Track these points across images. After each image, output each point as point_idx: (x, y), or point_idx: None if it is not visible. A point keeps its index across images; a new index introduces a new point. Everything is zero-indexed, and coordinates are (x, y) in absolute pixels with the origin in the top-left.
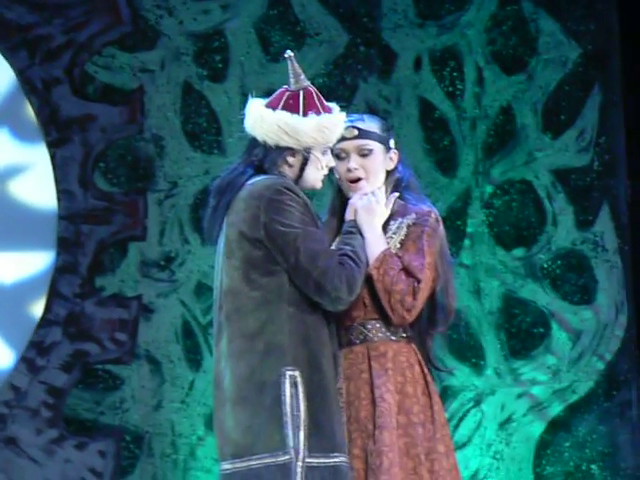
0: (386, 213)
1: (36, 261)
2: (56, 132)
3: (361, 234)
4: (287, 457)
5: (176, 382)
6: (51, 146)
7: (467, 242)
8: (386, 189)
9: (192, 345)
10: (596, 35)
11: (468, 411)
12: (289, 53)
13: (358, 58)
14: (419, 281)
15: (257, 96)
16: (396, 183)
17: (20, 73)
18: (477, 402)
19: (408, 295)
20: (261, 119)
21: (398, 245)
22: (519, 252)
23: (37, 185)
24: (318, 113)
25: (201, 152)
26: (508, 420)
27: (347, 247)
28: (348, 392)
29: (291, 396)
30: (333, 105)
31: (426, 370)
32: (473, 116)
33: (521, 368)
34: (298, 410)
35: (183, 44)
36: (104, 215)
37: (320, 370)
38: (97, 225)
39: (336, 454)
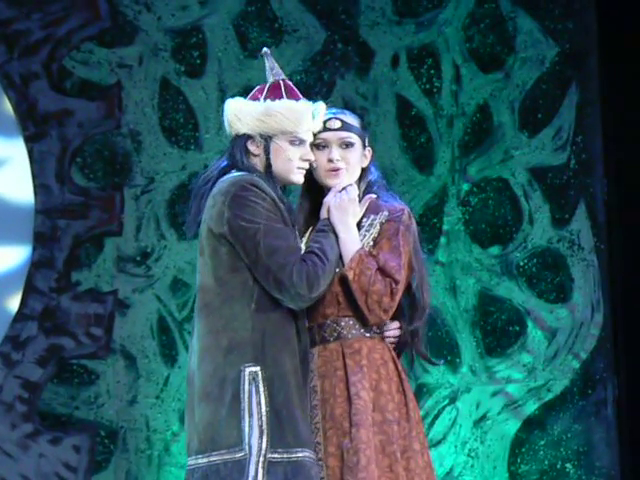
0: (360, 212)
1: (12, 255)
2: (33, 127)
3: (334, 233)
4: (242, 454)
5: (151, 377)
6: (28, 141)
7: (443, 240)
8: (359, 186)
9: (167, 341)
10: (574, 34)
11: (443, 408)
12: (265, 50)
13: (335, 55)
14: (396, 282)
15: (234, 92)
16: (368, 181)
17: None
18: (452, 400)
19: (385, 296)
20: (226, 110)
21: (371, 242)
22: (495, 250)
23: (14, 179)
24: (278, 99)
25: (178, 148)
26: (483, 418)
27: (315, 245)
28: (323, 390)
29: (250, 392)
30: (305, 99)
31: (400, 367)
32: (450, 114)
33: (496, 366)
34: (258, 406)
35: (161, 40)
36: (81, 210)
37: (282, 366)
38: (73, 220)
39: (299, 449)
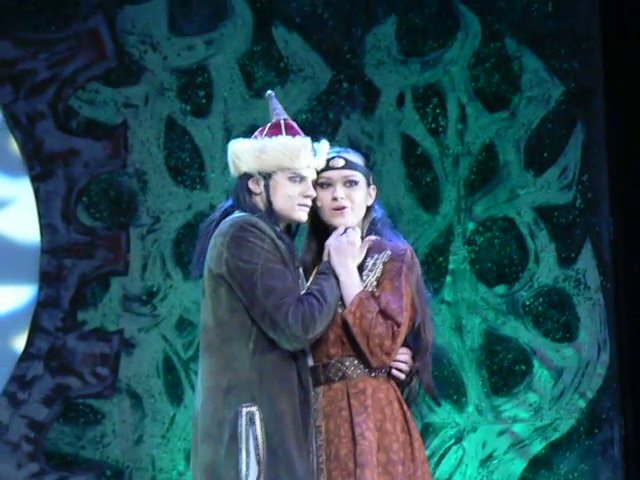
0: (361, 254)
1: (18, 295)
2: (40, 166)
3: (335, 276)
4: None
5: (157, 417)
6: (35, 180)
7: (449, 279)
8: (363, 225)
9: (173, 380)
10: (579, 73)
11: (449, 448)
12: (270, 92)
13: (341, 94)
14: (398, 325)
15: (240, 131)
16: (372, 220)
17: (4, 108)
18: (458, 439)
19: (387, 339)
20: (228, 151)
21: (374, 283)
22: (501, 289)
23: (20, 219)
24: (275, 136)
25: (184, 187)
26: (489, 457)
27: (315, 287)
28: (328, 430)
29: (247, 432)
30: (303, 136)
31: (405, 406)
32: (456, 153)
33: (503, 405)
34: (255, 446)
35: (167, 79)
36: (87, 249)
37: (279, 406)
38: (79, 259)
39: None
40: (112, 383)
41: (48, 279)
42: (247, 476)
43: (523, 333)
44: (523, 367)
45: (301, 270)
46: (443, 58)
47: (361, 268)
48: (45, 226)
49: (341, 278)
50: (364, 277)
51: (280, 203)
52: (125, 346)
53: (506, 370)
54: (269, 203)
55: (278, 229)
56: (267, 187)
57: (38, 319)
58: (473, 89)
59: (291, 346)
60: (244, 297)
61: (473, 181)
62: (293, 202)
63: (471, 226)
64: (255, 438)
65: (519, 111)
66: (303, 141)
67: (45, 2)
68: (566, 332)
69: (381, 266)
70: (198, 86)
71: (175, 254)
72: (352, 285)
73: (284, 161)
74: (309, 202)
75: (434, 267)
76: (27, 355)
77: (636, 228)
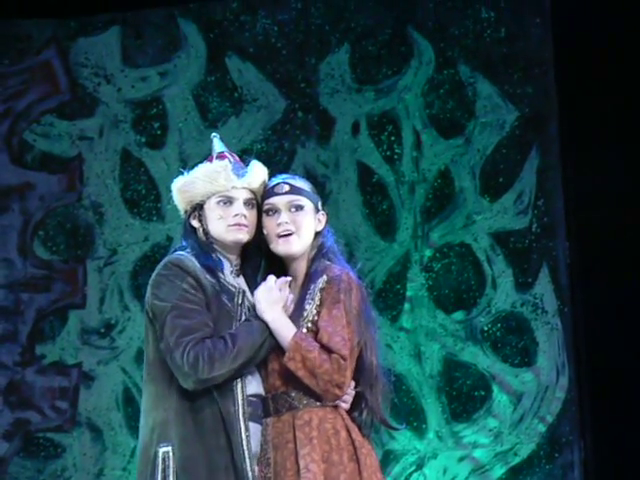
0: (287, 297)
1: None
2: None
3: (261, 321)
4: None
5: (118, 449)
6: None
7: (407, 306)
8: (310, 251)
9: (133, 412)
10: (533, 98)
11: (410, 475)
12: (214, 134)
13: (296, 123)
14: (344, 358)
15: (195, 162)
16: (320, 245)
17: None
18: (419, 466)
19: (335, 373)
20: None
21: (314, 312)
22: (459, 315)
23: None
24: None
25: (140, 219)
26: None
27: (230, 330)
28: (275, 462)
29: (163, 472)
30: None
31: (355, 434)
32: (411, 180)
33: (463, 431)
34: None
35: (121, 111)
36: (44, 283)
37: (190, 449)
38: (37, 293)
39: None
40: (72, 416)
41: (5, 313)
42: None
43: (482, 359)
44: (482, 393)
45: (248, 302)
46: (397, 85)
47: (301, 302)
48: (1, 260)
49: (271, 326)
50: (306, 307)
51: (214, 228)
52: (84, 379)
53: (465, 396)
54: (206, 233)
55: (213, 264)
56: (201, 218)
57: None
58: (428, 116)
59: (186, 384)
60: (158, 334)
61: (429, 208)
62: (224, 223)
63: (428, 253)
64: (168, 478)
65: (474, 137)
66: (221, 164)
67: None
68: (525, 357)
69: (318, 294)
70: (153, 117)
71: (133, 286)
72: (283, 330)
73: (206, 187)
74: (242, 221)
75: (392, 295)
76: None
77: (592, 252)
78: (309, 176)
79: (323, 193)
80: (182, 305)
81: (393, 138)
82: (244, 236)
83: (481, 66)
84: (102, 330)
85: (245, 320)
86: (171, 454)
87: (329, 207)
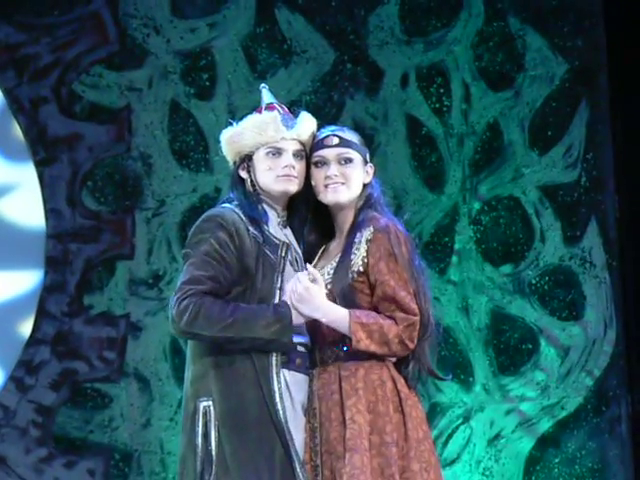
0: (320, 289)
1: (24, 280)
2: (44, 151)
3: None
4: None
5: (165, 400)
6: (39, 165)
7: (455, 259)
8: (357, 201)
9: (180, 363)
10: (583, 51)
11: (457, 428)
12: (263, 85)
13: (345, 75)
14: (413, 312)
15: (244, 114)
16: (367, 196)
17: (7, 92)
18: (466, 419)
19: (405, 332)
20: None
21: (360, 262)
22: (507, 268)
23: (25, 204)
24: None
25: (189, 170)
26: (497, 436)
27: (242, 304)
28: (320, 412)
29: (203, 426)
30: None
31: (400, 386)
32: (460, 133)
33: (510, 384)
34: (208, 441)
35: (170, 62)
36: (92, 234)
37: (231, 401)
38: (85, 244)
39: None
40: (119, 367)
41: (54, 264)
42: (202, 471)
43: (529, 312)
44: (530, 346)
45: (294, 254)
46: (446, 38)
47: (348, 248)
48: (50, 211)
49: (324, 321)
50: (351, 257)
51: (262, 179)
52: (132, 330)
53: (513, 349)
54: (254, 184)
55: (258, 216)
56: (250, 169)
57: (44, 304)
58: (477, 68)
59: (172, 330)
60: None
61: (478, 161)
62: (273, 174)
63: (476, 206)
64: (209, 433)
65: (523, 90)
66: (270, 115)
67: None
68: (572, 310)
69: (365, 245)
70: (201, 69)
71: (181, 237)
72: (337, 320)
73: (255, 138)
74: (291, 172)
75: (440, 247)
76: (34, 340)
77: None
78: (357, 128)
79: (371, 145)
80: (201, 256)
81: (442, 90)
82: (293, 187)
83: (531, 18)
84: (150, 281)
85: (276, 306)
86: (212, 408)
87: (377, 159)
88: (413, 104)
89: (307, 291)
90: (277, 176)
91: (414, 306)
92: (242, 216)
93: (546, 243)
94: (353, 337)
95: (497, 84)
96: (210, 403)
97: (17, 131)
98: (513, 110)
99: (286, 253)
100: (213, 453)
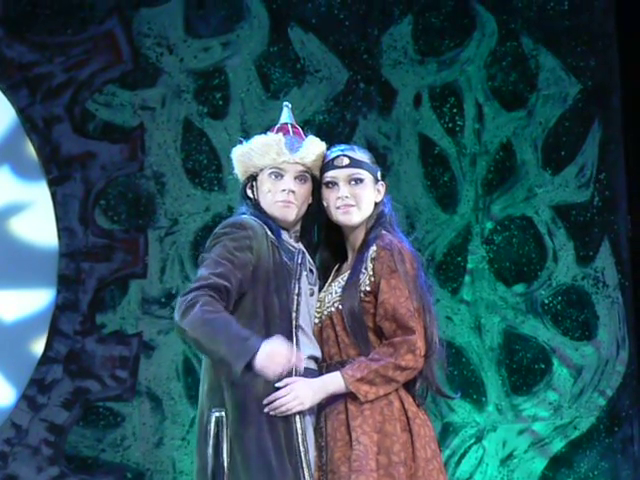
0: (302, 380)
1: (37, 298)
2: (57, 170)
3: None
4: None
5: (177, 419)
6: (52, 184)
7: (467, 278)
8: (368, 220)
9: (193, 382)
10: (596, 71)
11: (470, 447)
12: (286, 104)
13: (358, 95)
14: (412, 330)
15: (257, 133)
16: (378, 214)
17: (21, 111)
18: (478, 438)
19: (404, 359)
20: None
21: (367, 282)
22: (520, 288)
23: (38, 223)
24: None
25: (202, 189)
26: (510, 456)
27: (235, 321)
28: (326, 432)
29: (215, 437)
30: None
31: (407, 405)
32: (473, 152)
33: (522, 404)
34: (220, 451)
35: (184, 82)
36: (105, 252)
37: (244, 411)
38: (98, 262)
39: None
40: (132, 386)
41: (66, 282)
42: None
43: (542, 332)
44: (542, 366)
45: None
46: (460, 57)
47: (357, 267)
48: (63, 230)
49: (330, 391)
50: (360, 277)
51: (263, 201)
52: (144, 349)
53: (525, 369)
54: (258, 205)
55: (274, 226)
56: (255, 189)
57: (57, 323)
58: (490, 88)
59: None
60: None
61: (491, 180)
62: (272, 198)
63: (489, 225)
64: (221, 443)
65: (536, 110)
66: (275, 137)
67: (60, 5)
68: (585, 330)
69: (370, 264)
70: (215, 88)
71: (193, 256)
72: (334, 388)
73: (259, 159)
74: (289, 197)
75: (452, 267)
76: (46, 359)
77: None
78: (370, 148)
79: (384, 165)
80: (213, 258)
81: (455, 110)
82: (290, 215)
83: (544, 38)
84: (163, 300)
85: (255, 339)
86: (224, 419)
87: (390, 179)
88: (426, 124)
89: (301, 387)
90: (275, 201)
91: (413, 324)
92: (260, 222)
93: (559, 263)
94: (359, 396)
95: (510, 104)
96: (223, 413)
97: (30, 150)
98: (526, 130)
99: (302, 260)
100: (225, 463)
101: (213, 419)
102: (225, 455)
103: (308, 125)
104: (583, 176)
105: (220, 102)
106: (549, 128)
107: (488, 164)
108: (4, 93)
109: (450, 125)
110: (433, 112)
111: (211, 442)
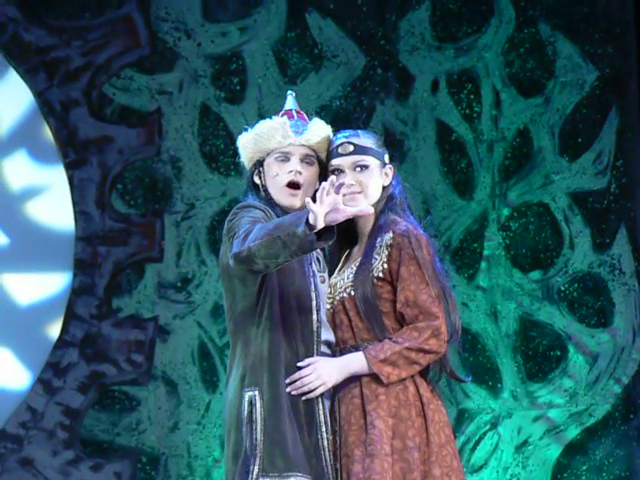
0: (323, 359)
1: (53, 282)
2: (74, 154)
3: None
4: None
5: (192, 404)
6: (69, 168)
7: (484, 265)
8: (378, 204)
9: (208, 366)
10: (613, 58)
11: (485, 434)
12: (289, 92)
13: (375, 80)
14: (435, 316)
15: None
16: (387, 197)
17: (38, 95)
18: (494, 425)
19: (427, 343)
20: None
21: (380, 268)
22: (536, 275)
23: (55, 206)
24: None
25: (218, 174)
26: (525, 443)
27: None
28: (340, 416)
29: (249, 417)
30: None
31: (422, 390)
32: (490, 139)
33: (538, 391)
34: (254, 430)
35: (201, 66)
36: (121, 236)
37: (277, 389)
38: (114, 246)
39: (290, 473)
40: (147, 370)
41: (83, 266)
42: (248, 459)
43: (558, 319)
44: (558, 353)
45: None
46: (477, 44)
47: (369, 252)
48: (79, 213)
49: (352, 371)
50: (372, 262)
51: (271, 187)
52: (160, 333)
53: (541, 356)
54: (267, 191)
55: (280, 212)
56: (262, 175)
57: (73, 306)
58: (507, 75)
59: (232, 260)
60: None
61: (507, 167)
62: (279, 181)
63: (506, 212)
64: (254, 422)
65: (553, 96)
66: (279, 120)
67: None
68: (601, 317)
69: (386, 250)
70: (232, 73)
71: (210, 241)
72: (357, 368)
73: (265, 144)
74: (296, 177)
75: (469, 253)
76: (62, 342)
77: None
78: (387, 133)
79: (401, 150)
80: (242, 221)
81: (472, 96)
82: (297, 202)
83: (561, 25)
84: (179, 284)
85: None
86: (257, 397)
87: (407, 165)
88: (443, 110)
89: (320, 378)
90: (283, 185)
91: (436, 309)
92: (268, 208)
93: (575, 250)
94: (382, 377)
95: (527, 90)
96: (256, 392)
97: (47, 134)
98: (543, 117)
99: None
100: (258, 440)
101: (246, 397)
102: (259, 433)
103: (325, 110)
104: (600, 163)
105: (237, 87)
106: (566, 115)
107: (505, 150)
108: (22, 77)
109: (467, 111)
110: (450, 98)
111: (245, 422)
